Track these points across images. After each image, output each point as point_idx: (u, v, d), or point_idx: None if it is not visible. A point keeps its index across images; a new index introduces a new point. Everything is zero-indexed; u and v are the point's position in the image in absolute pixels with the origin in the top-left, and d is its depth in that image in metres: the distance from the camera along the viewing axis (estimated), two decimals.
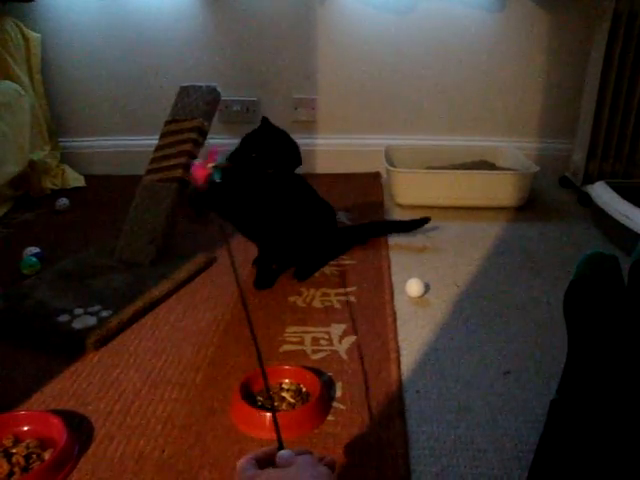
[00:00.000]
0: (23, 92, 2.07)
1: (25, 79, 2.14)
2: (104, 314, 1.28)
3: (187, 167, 1.63)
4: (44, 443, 0.92)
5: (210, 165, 0.95)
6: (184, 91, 1.77)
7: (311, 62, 2.33)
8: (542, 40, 2.27)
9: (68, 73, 2.36)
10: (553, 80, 2.32)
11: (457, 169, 2.15)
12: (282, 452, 0.65)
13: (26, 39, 2.16)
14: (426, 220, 1.78)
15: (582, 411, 0.79)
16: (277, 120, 2.36)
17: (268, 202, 1.40)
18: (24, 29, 2.15)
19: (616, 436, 0.75)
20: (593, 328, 0.87)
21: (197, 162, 0.96)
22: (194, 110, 1.70)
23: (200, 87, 1.76)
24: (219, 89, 1.76)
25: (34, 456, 0.89)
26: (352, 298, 1.40)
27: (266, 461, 0.66)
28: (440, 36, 2.28)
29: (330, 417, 0.99)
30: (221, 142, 2.38)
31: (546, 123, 2.39)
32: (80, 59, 2.33)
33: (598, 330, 0.86)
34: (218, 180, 0.94)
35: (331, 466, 0.66)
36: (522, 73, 2.32)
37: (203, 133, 1.68)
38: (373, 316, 1.31)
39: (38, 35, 2.20)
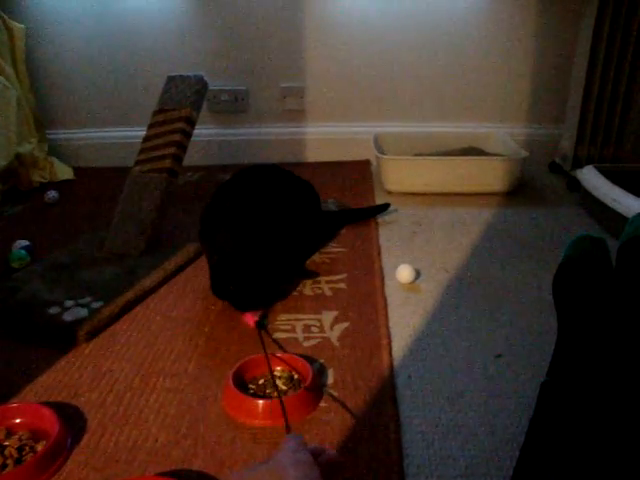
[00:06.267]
0: (8, 84, 2.05)
1: (10, 71, 2.11)
2: (95, 305, 1.28)
3: (176, 157, 1.63)
4: (37, 435, 0.91)
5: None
6: (171, 81, 1.77)
7: (299, 50, 2.32)
8: (530, 25, 2.26)
9: (53, 64, 2.33)
10: (541, 65, 2.32)
11: (446, 155, 2.15)
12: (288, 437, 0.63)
13: (9, 30, 2.12)
14: (387, 206, 1.85)
15: (572, 393, 0.80)
16: (266, 109, 2.39)
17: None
18: (7, 20, 2.12)
19: (606, 417, 0.75)
20: (582, 310, 0.88)
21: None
22: (182, 100, 1.70)
23: (188, 77, 1.76)
24: (206, 78, 1.75)
25: (27, 448, 0.88)
26: (343, 285, 1.40)
27: None
28: (428, 22, 2.27)
29: (322, 404, 0.99)
30: (209, 132, 2.38)
31: (535, 108, 2.39)
32: (65, 50, 2.31)
33: (587, 312, 0.87)
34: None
35: (330, 461, 0.62)
36: (510, 58, 2.31)
37: (192, 123, 1.67)
38: (364, 303, 1.32)
39: (22, 26, 2.17)
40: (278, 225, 1.42)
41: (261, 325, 1.20)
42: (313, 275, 1.45)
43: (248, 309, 1.24)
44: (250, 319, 1.21)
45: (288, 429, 0.70)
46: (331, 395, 1.01)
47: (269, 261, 1.32)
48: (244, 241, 1.33)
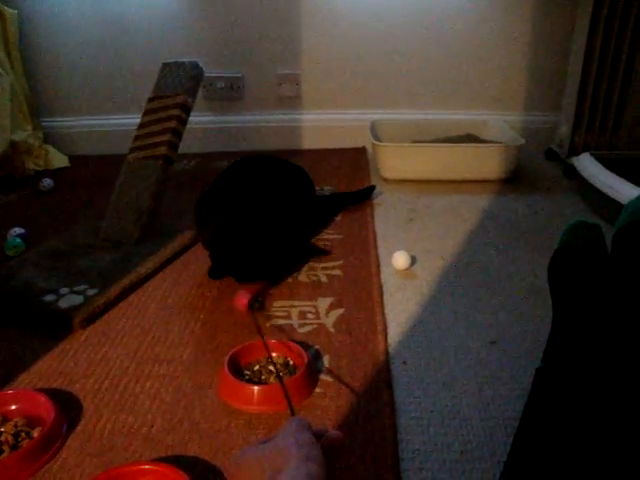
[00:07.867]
0: (1, 71, 2.03)
1: (3, 57, 2.09)
2: (90, 293, 1.27)
3: (172, 144, 1.62)
4: (32, 421, 0.91)
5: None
6: (166, 68, 1.75)
7: (295, 37, 2.30)
8: (527, 12, 2.25)
9: (47, 51, 2.31)
10: (538, 52, 2.31)
11: (443, 142, 2.15)
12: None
13: (1, 15, 2.10)
14: (372, 188, 1.89)
15: (566, 379, 0.80)
16: (261, 96, 2.37)
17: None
18: None
19: (601, 403, 0.76)
20: (577, 296, 0.88)
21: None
22: (177, 87, 1.68)
23: (183, 63, 1.74)
24: (202, 66, 1.74)
25: (23, 434, 0.88)
26: (338, 272, 1.40)
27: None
28: (425, 9, 2.25)
29: (318, 389, 1.00)
30: (204, 119, 2.37)
31: (532, 96, 2.38)
32: (59, 36, 2.29)
33: (582, 298, 0.87)
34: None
35: (332, 441, 0.62)
36: (507, 45, 2.30)
37: (187, 110, 1.66)
38: (360, 289, 1.32)
39: (14, 11, 2.15)
40: (272, 201, 1.44)
41: (253, 307, 1.20)
42: (322, 253, 1.48)
43: (248, 280, 1.24)
44: (241, 303, 1.21)
45: (292, 411, 0.70)
46: (328, 378, 1.02)
47: (266, 232, 1.33)
48: (240, 214, 1.35)
